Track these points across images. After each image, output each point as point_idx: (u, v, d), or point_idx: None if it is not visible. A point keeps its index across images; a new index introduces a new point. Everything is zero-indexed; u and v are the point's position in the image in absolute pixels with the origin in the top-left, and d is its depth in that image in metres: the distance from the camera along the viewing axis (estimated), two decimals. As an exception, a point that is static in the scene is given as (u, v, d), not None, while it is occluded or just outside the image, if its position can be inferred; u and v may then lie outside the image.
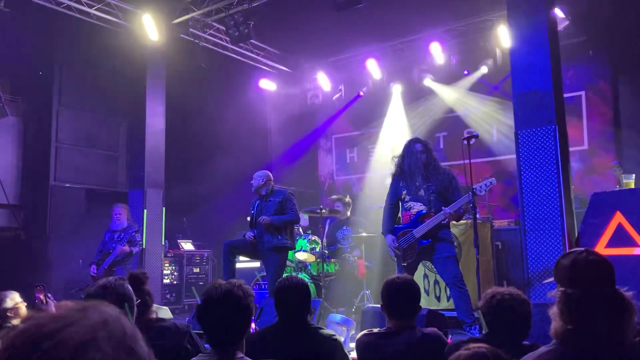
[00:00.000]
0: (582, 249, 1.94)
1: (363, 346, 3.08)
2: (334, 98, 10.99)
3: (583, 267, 1.85)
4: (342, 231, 8.11)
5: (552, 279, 1.98)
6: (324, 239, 7.48)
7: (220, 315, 2.22)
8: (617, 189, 5.57)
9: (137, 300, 2.68)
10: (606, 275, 1.85)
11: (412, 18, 8.51)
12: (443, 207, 5.15)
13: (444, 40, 9.18)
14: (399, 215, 5.58)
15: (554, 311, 1.84)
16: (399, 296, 3.02)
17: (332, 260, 7.75)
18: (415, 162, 5.40)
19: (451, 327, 5.04)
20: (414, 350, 2.88)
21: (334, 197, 8.64)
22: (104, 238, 7.11)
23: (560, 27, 7.14)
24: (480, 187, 5.07)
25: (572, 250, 1.98)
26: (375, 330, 3.12)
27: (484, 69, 9.26)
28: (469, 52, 9.28)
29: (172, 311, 7.97)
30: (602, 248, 4.92)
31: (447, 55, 9.31)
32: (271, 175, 6.68)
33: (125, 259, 6.92)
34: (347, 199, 8.39)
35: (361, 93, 10.71)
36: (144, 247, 7.89)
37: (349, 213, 8.22)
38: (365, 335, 3.14)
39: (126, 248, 6.81)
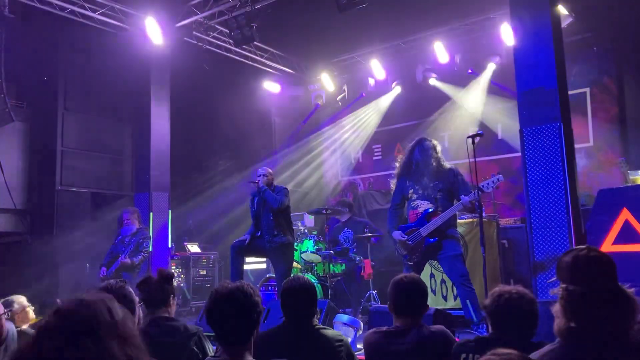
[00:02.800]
0: (584, 246, 1.93)
1: (371, 344, 3.08)
2: (337, 99, 10.99)
3: (584, 264, 1.84)
4: (344, 233, 8.12)
5: (555, 278, 1.98)
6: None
7: (229, 313, 2.23)
8: (624, 185, 5.54)
9: (140, 303, 2.71)
10: (608, 271, 1.84)
11: (415, 17, 8.50)
12: (462, 196, 5.12)
13: (447, 40, 9.16)
14: (406, 214, 5.58)
15: (556, 309, 1.83)
16: (406, 295, 3.02)
17: (339, 261, 7.76)
18: (425, 161, 5.40)
19: (458, 326, 5.03)
20: (421, 348, 2.88)
21: (343, 200, 8.66)
22: (114, 240, 7.15)
23: (564, 23, 7.12)
24: (487, 184, 5.05)
25: (573, 247, 1.98)
26: (383, 328, 3.12)
27: (488, 68, 9.24)
28: (472, 50, 9.25)
29: (179, 313, 7.98)
30: (609, 245, 4.90)
31: (451, 54, 9.28)
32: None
33: (129, 267, 6.91)
34: (349, 201, 8.41)
35: (364, 94, 10.72)
36: (150, 249, 7.90)
37: (349, 215, 8.23)
38: (373, 333, 3.14)
39: (127, 261, 6.78)
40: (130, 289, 2.73)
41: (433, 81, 9.81)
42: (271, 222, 6.33)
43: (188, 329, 3.17)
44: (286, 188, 6.62)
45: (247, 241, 6.43)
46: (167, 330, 3.11)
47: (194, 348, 3.06)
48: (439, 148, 5.58)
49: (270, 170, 6.60)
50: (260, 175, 6.51)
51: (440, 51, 9.18)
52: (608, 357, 1.62)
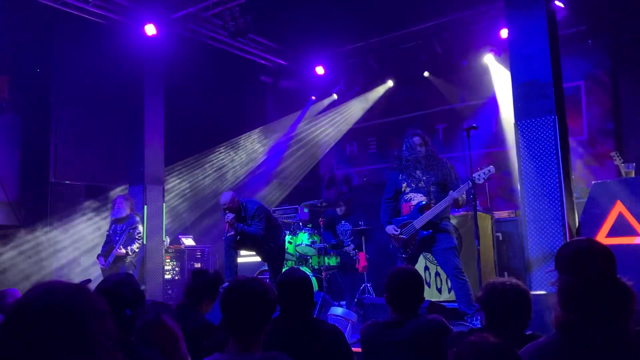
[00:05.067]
0: (584, 238, 1.93)
1: (368, 336, 3.09)
2: (332, 91, 10.97)
3: (584, 256, 1.84)
4: (341, 226, 8.13)
5: (553, 268, 1.98)
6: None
7: (244, 302, 2.25)
8: (618, 178, 5.56)
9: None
10: (608, 264, 1.84)
11: (411, 10, 8.47)
12: (451, 192, 5.17)
13: (442, 32, 9.14)
14: (399, 207, 5.59)
15: (554, 301, 1.83)
16: (403, 287, 3.03)
17: (333, 253, 7.77)
18: (415, 154, 5.42)
19: (452, 319, 5.06)
20: (418, 337, 2.90)
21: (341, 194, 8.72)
22: (109, 230, 7.16)
23: (559, 16, 7.11)
24: (479, 175, 5.08)
25: (573, 239, 1.98)
26: (380, 320, 3.13)
27: (482, 60, 9.21)
28: (467, 43, 9.22)
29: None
30: (603, 238, 4.92)
31: (446, 47, 9.26)
32: (234, 193, 6.67)
33: (127, 260, 6.92)
34: (347, 197, 8.44)
35: (358, 87, 10.71)
36: (144, 242, 7.89)
37: (346, 208, 8.25)
38: (369, 325, 3.15)
39: (122, 251, 6.80)
40: (138, 283, 2.78)
41: (427, 74, 9.79)
42: (255, 240, 6.41)
43: (208, 322, 3.32)
44: (259, 205, 6.56)
45: (239, 237, 6.46)
46: (192, 320, 3.23)
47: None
48: (428, 140, 5.60)
49: (230, 196, 6.50)
50: (224, 208, 6.42)
51: (436, 44, 9.15)
52: (605, 349, 1.62)
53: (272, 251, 6.60)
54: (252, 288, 2.29)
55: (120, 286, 2.57)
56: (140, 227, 7.11)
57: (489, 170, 5.11)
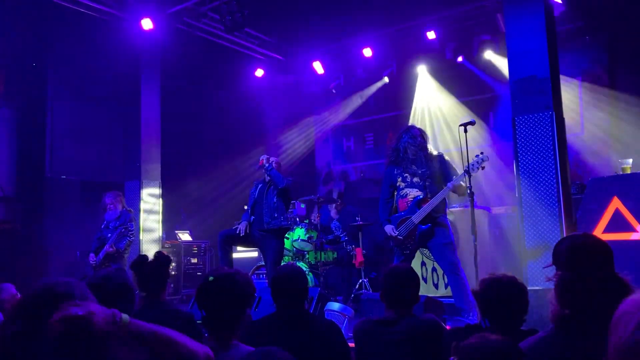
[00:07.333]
0: (581, 233, 1.93)
1: (361, 333, 3.08)
2: (330, 86, 10.95)
3: (581, 250, 1.84)
4: (334, 224, 8.16)
5: (551, 265, 1.97)
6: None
7: (217, 296, 2.23)
8: (614, 174, 5.56)
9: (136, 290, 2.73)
10: (604, 258, 1.83)
11: (409, 5, 8.45)
12: (448, 184, 5.16)
13: (439, 27, 9.10)
14: (396, 203, 5.56)
15: (551, 296, 1.83)
16: (398, 286, 3.02)
17: (330, 249, 7.77)
18: (411, 149, 5.40)
19: (449, 314, 5.06)
20: (412, 337, 2.88)
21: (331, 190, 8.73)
22: (100, 226, 7.09)
23: (557, 12, 7.10)
24: (472, 165, 5.06)
25: (570, 234, 1.98)
26: (374, 318, 3.12)
27: (480, 55, 9.20)
28: (464, 38, 9.21)
29: (170, 302, 7.95)
30: (599, 233, 4.92)
31: (443, 42, 9.24)
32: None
33: (117, 255, 6.80)
34: (339, 192, 8.46)
35: (354, 82, 10.68)
36: (141, 238, 7.87)
37: (340, 205, 8.29)
38: (363, 322, 3.13)
39: (112, 250, 6.62)
40: (129, 277, 2.76)
41: (423, 69, 9.78)
42: (273, 204, 6.31)
43: (181, 314, 3.17)
44: (290, 178, 6.65)
45: (238, 230, 6.35)
46: (162, 314, 3.06)
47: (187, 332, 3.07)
48: (426, 135, 5.59)
49: (276, 159, 6.64)
50: (263, 159, 6.53)
51: (433, 39, 9.13)
52: (602, 344, 1.62)
53: (280, 227, 6.32)
54: (222, 284, 2.25)
55: (107, 280, 2.56)
56: (133, 223, 7.04)
57: (482, 159, 5.09)
